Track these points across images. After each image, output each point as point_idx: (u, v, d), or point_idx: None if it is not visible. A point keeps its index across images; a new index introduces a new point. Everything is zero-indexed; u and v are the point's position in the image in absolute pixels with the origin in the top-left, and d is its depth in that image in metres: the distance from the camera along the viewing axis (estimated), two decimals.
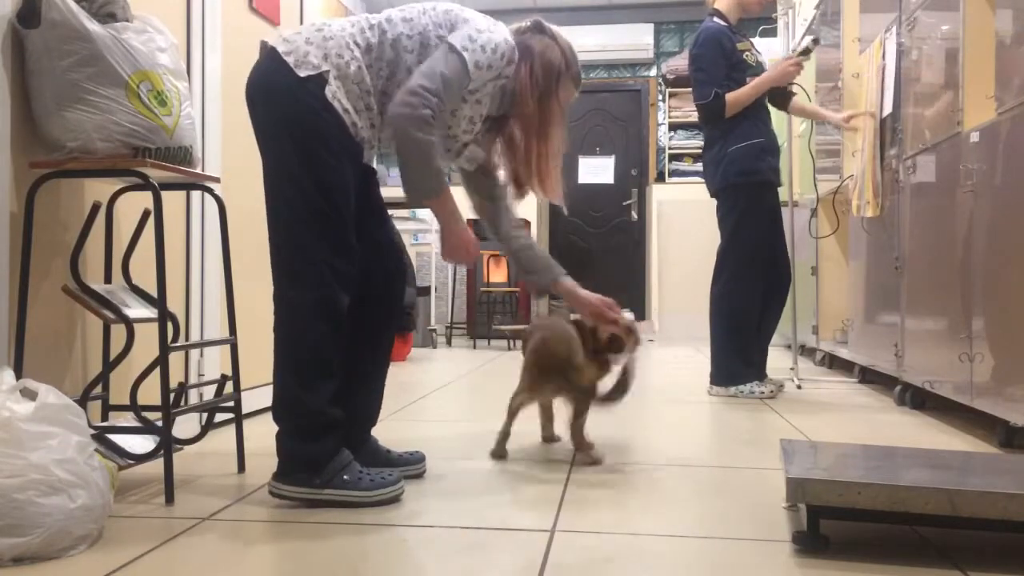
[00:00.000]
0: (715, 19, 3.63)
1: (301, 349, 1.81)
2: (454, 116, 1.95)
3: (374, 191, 2.04)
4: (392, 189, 7.55)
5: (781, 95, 3.74)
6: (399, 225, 6.02)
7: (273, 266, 1.86)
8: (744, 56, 3.58)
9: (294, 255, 1.82)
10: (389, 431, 2.65)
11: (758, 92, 3.52)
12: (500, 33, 1.94)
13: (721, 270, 3.68)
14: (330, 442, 1.81)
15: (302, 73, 1.79)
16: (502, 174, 2.18)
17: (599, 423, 2.79)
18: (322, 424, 1.81)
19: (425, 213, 6.59)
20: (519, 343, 6.53)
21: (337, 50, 1.83)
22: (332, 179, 1.81)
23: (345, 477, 1.80)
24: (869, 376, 3.98)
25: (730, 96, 3.47)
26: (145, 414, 1.95)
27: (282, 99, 1.81)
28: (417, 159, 1.83)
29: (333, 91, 1.81)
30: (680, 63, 7.57)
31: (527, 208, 7.55)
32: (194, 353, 2.68)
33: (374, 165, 2.11)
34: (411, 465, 2.06)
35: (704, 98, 3.50)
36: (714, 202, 3.78)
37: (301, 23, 3.45)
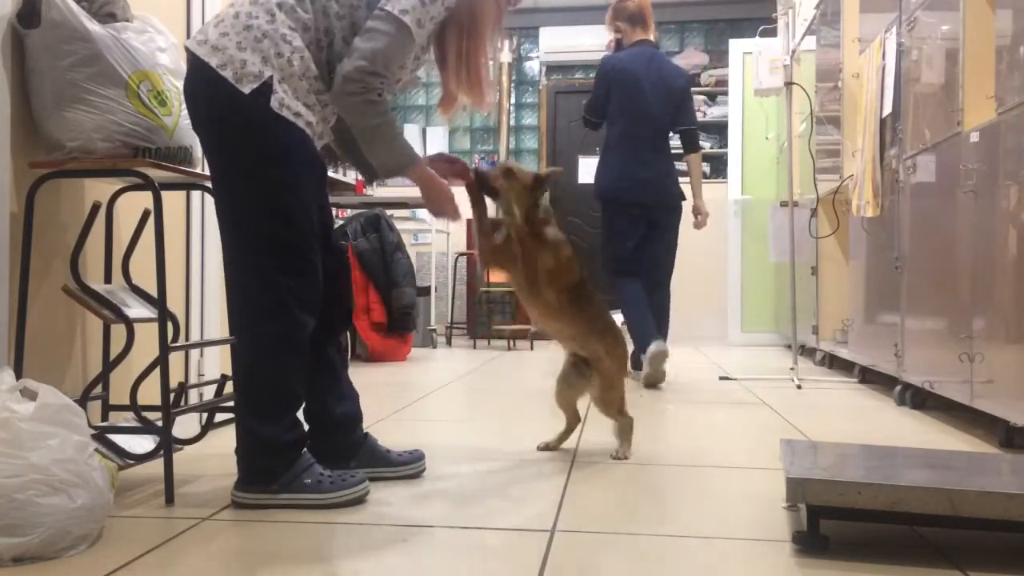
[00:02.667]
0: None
1: (266, 384, 1.78)
2: (401, 68, 1.85)
3: (323, 188, 1.96)
4: (392, 189, 7.53)
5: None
6: (400, 225, 6.00)
7: (230, 294, 1.80)
8: None
9: (255, 285, 1.75)
10: (389, 431, 2.65)
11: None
12: None
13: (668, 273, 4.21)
14: (289, 456, 1.79)
15: (245, 88, 1.68)
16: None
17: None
18: (278, 447, 1.79)
19: (425, 213, 6.59)
20: (519, 343, 6.54)
21: (275, 48, 1.71)
22: (291, 201, 1.73)
23: (306, 481, 1.77)
24: (869, 376, 3.98)
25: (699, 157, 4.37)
26: (145, 414, 1.95)
27: (230, 122, 1.71)
28: (380, 141, 1.79)
29: (280, 99, 1.70)
30: (680, 63, 7.56)
31: None
32: (194, 353, 2.68)
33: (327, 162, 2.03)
34: (410, 464, 2.06)
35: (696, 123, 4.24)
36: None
37: None
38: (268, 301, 1.75)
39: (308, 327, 1.79)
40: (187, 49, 1.76)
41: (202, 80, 1.72)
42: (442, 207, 1.97)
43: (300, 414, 1.88)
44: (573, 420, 2.41)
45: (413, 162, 1.85)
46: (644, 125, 4.03)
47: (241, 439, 1.81)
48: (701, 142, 7.47)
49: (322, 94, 1.80)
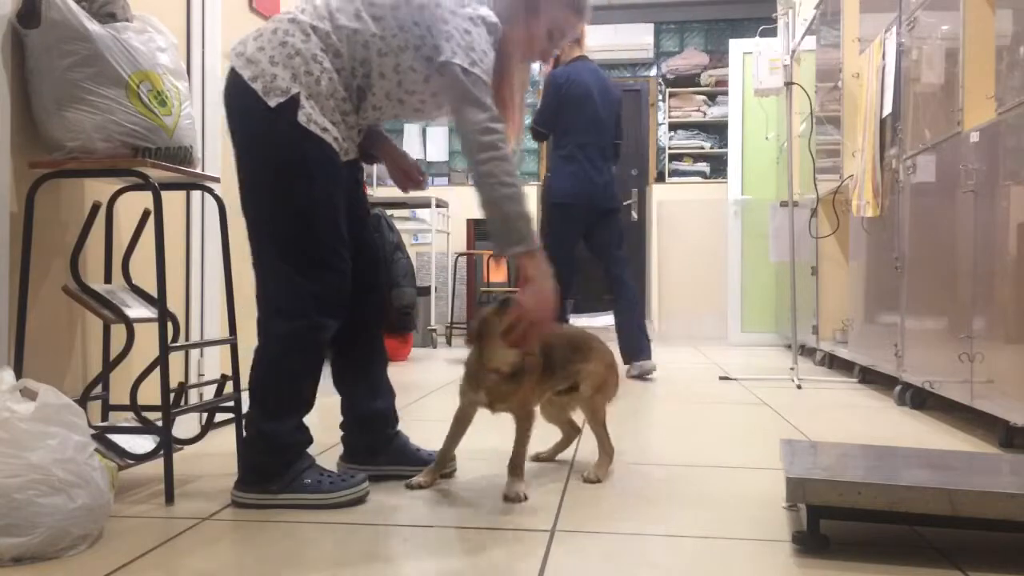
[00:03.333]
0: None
1: (277, 383, 1.80)
2: (427, 81, 1.85)
3: (360, 192, 2.02)
4: (392, 189, 7.50)
5: None
6: (400, 225, 6.00)
7: (258, 295, 1.83)
8: None
9: (279, 288, 1.79)
10: None
11: None
12: (477, 15, 1.79)
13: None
14: (291, 456, 1.81)
15: (272, 102, 1.73)
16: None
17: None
18: (283, 447, 1.80)
19: (425, 213, 6.59)
20: None
21: (305, 67, 1.76)
22: (317, 210, 1.77)
23: (306, 480, 1.79)
24: (869, 376, 3.98)
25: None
26: (145, 414, 1.95)
27: (257, 132, 1.77)
28: (509, 214, 1.70)
29: (308, 114, 1.75)
30: (680, 63, 7.57)
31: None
32: (194, 353, 2.68)
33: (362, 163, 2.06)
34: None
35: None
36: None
37: None
38: (286, 302, 1.78)
39: (327, 329, 1.82)
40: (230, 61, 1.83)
41: (235, 91, 1.79)
42: (536, 313, 1.76)
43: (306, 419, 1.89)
44: (570, 433, 2.30)
45: (532, 244, 1.73)
46: (597, 134, 4.30)
47: (245, 436, 1.82)
48: (701, 142, 7.52)
49: (348, 115, 1.84)
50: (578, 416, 2.24)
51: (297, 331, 1.78)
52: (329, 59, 1.79)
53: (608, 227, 4.31)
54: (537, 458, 2.27)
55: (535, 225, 1.75)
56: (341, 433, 2.06)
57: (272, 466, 1.78)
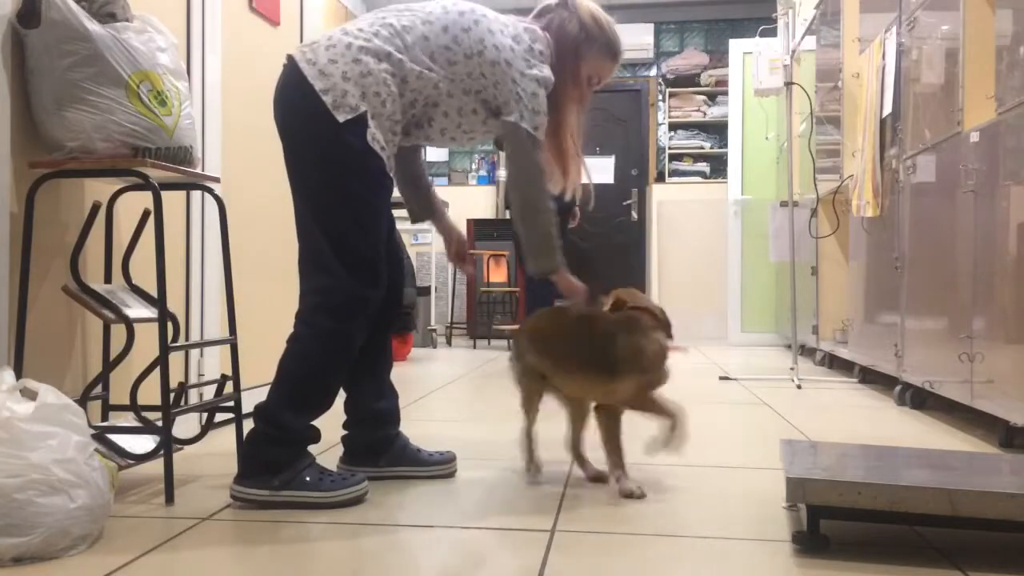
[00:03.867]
0: None
1: (311, 379, 1.81)
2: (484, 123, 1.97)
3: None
4: (393, 189, 7.45)
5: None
6: (400, 225, 6.06)
7: (305, 290, 1.85)
8: None
9: (331, 285, 1.81)
10: None
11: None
12: (543, 77, 1.90)
13: None
14: (297, 451, 1.81)
15: (341, 118, 1.77)
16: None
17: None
18: (295, 440, 1.81)
19: None
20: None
21: (375, 88, 1.80)
22: (372, 220, 1.83)
23: (307, 478, 1.79)
24: (869, 376, 3.98)
25: None
26: (145, 414, 1.95)
27: (322, 140, 1.79)
28: (543, 234, 1.90)
29: (372, 133, 1.80)
30: (680, 63, 7.57)
31: None
32: (194, 353, 2.68)
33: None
34: (441, 465, 2.08)
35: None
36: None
37: (301, 24, 3.45)
38: (336, 300, 1.80)
39: (363, 333, 1.85)
40: (292, 59, 1.83)
41: (302, 96, 1.80)
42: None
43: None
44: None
45: (559, 267, 1.93)
46: None
47: (255, 426, 1.82)
48: (701, 142, 7.52)
49: (396, 135, 1.88)
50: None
51: (341, 331, 1.80)
52: (396, 84, 1.84)
53: None
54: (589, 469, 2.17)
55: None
56: (343, 433, 2.06)
57: (279, 458, 1.79)
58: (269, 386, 1.83)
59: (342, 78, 1.79)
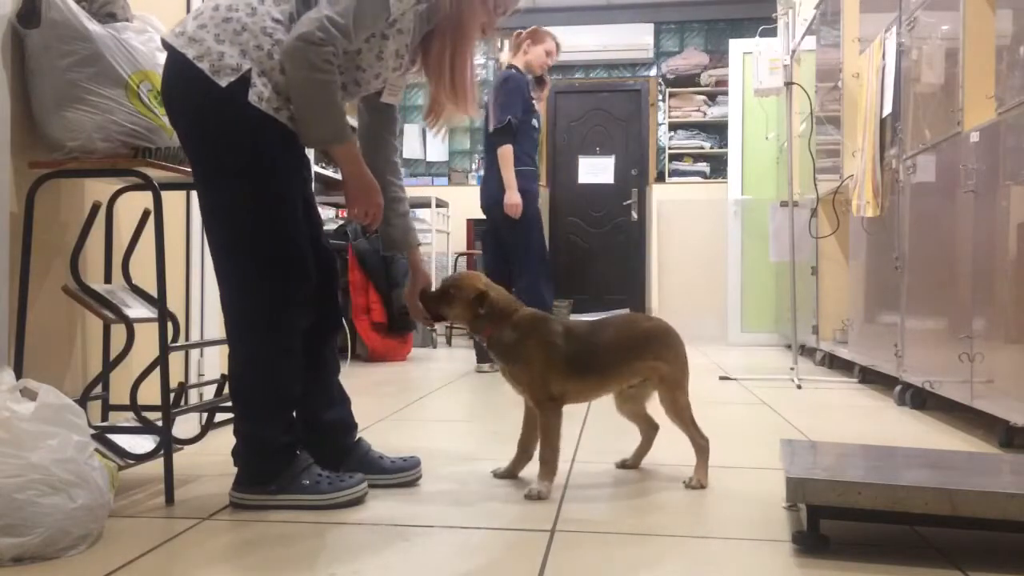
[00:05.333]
0: (515, 71, 4.45)
1: (258, 387, 1.77)
2: (380, 57, 1.80)
3: (311, 192, 1.96)
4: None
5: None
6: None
7: (220, 292, 1.77)
8: (535, 106, 4.51)
9: (241, 287, 1.73)
10: (389, 431, 2.65)
11: (509, 182, 4.36)
12: None
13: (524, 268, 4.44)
14: (286, 457, 1.79)
15: (222, 81, 1.63)
16: (396, 103, 2.02)
17: (599, 423, 2.78)
18: (277, 449, 1.79)
19: (424, 213, 6.59)
20: None
21: (255, 41, 1.66)
22: (272, 199, 1.70)
23: (304, 481, 1.77)
24: (869, 376, 3.98)
25: (505, 151, 4.33)
26: (145, 414, 1.95)
27: (207, 116, 1.66)
28: (317, 101, 1.66)
29: (259, 92, 1.66)
30: (680, 63, 7.57)
31: None
32: (194, 353, 2.68)
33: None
34: (403, 472, 1.99)
35: (501, 122, 4.32)
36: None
37: None
38: (256, 303, 1.73)
39: (299, 327, 1.79)
40: (164, 41, 1.72)
41: (178, 72, 1.68)
42: (360, 200, 1.82)
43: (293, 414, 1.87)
44: (648, 432, 2.21)
45: (342, 137, 1.72)
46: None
47: (238, 441, 1.81)
48: (701, 142, 7.51)
49: None
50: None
51: (275, 332, 1.74)
52: (282, 29, 1.70)
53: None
54: (623, 465, 2.18)
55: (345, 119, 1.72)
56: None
57: (267, 468, 1.78)
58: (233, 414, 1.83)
59: (215, 40, 1.65)
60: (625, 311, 2.16)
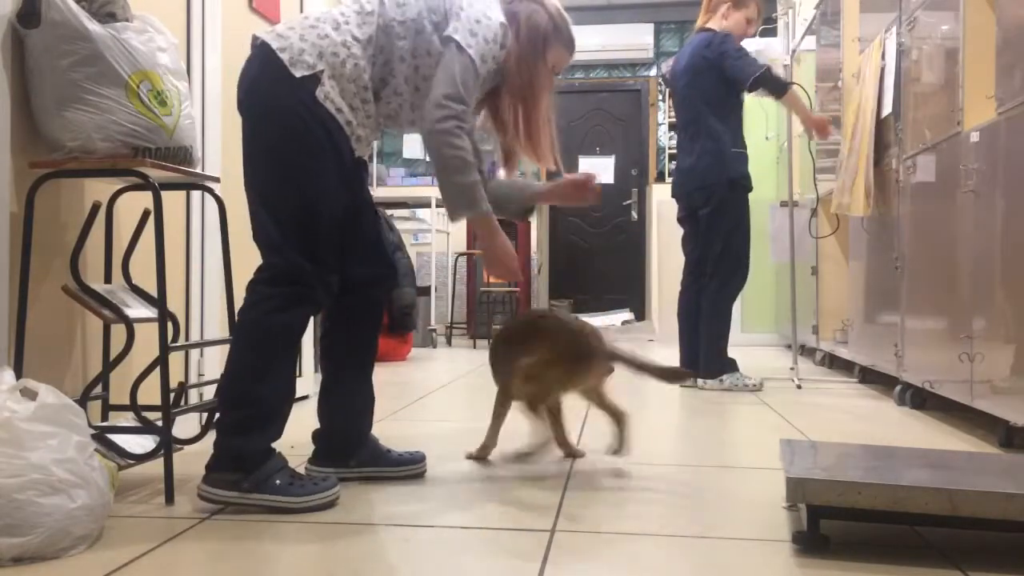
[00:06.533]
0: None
1: (262, 343, 1.79)
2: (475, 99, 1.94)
3: (365, 188, 2.03)
4: (392, 189, 7.52)
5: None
6: (400, 225, 6.00)
7: (264, 253, 1.84)
8: None
9: (269, 253, 1.81)
10: (389, 431, 2.65)
11: (801, 110, 3.77)
12: (495, 15, 1.92)
13: (717, 268, 3.87)
14: (267, 437, 1.79)
15: (297, 73, 1.77)
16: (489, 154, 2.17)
17: (600, 425, 2.79)
18: (261, 415, 1.78)
19: (425, 213, 6.60)
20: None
21: (332, 48, 1.81)
22: (315, 188, 1.79)
23: (277, 482, 1.76)
24: (869, 376, 3.98)
25: (791, 93, 3.70)
26: (145, 414, 1.95)
27: (276, 101, 1.79)
28: (454, 180, 1.84)
29: (326, 91, 1.79)
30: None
31: None
32: (194, 353, 2.68)
33: (367, 159, 2.08)
34: (411, 465, 2.06)
35: (758, 71, 3.64)
36: None
37: None
38: (285, 270, 1.79)
39: (317, 297, 1.84)
40: (255, 36, 1.85)
41: (259, 59, 1.81)
42: (497, 266, 1.97)
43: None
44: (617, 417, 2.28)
45: (476, 207, 1.87)
46: (681, 113, 3.96)
47: (217, 435, 1.79)
48: None
49: (368, 103, 1.87)
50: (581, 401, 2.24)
51: (293, 290, 1.79)
52: (359, 47, 1.84)
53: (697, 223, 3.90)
54: (614, 452, 2.22)
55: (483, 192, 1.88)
56: (317, 428, 2.04)
57: (241, 466, 1.75)
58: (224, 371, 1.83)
59: (299, 39, 1.80)
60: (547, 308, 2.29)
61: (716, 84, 3.74)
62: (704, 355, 3.75)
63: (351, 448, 2.02)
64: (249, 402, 1.78)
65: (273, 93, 1.80)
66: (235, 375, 1.80)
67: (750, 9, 3.79)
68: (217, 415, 1.82)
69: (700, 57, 3.78)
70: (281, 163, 1.80)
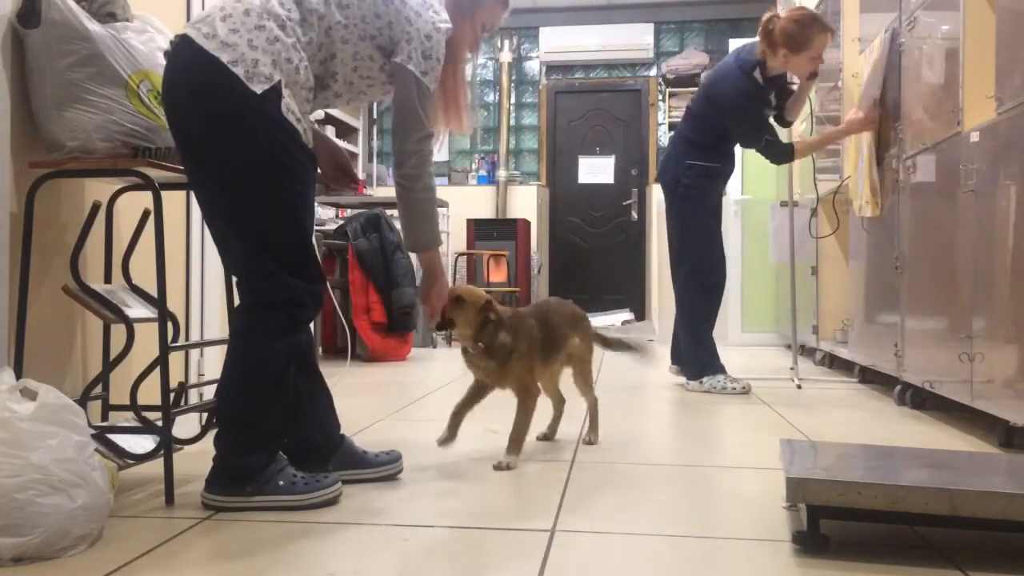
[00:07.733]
0: (756, 72, 3.63)
1: (264, 368, 1.77)
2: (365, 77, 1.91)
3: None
4: (392, 189, 7.44)
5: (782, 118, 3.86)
6: (399, 225, 5.98)
7: (241, 283, 1.79)
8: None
9: (259, 281, 1.76)
10: (389, 431, 2.65)
11: (824, 143, 3.85)
12: (439, 16, 1.87)
13: (680, 260, 3.85)
14: (267, 453, 1.79)
15: (257, 89, 1.67)
16: None
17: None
18: (263, 438, 1.78)
19: None
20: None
21: (286, 54, 1.72)
22: (296, 204, 1.76)
23: (279, 483, 1.76)
24: (869, 376, 3.98)
25: (799, 143, 3.73)
26: (145, 414, 1.95)
27: (245, 117, 1.68)
28: (425, 219, 1.94)
29: (286, 103, 1.72)
30: (680, 63, 7.57)
31: (526, 208, 7.56)
32: (194, 353, 2.68)
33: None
34: (388, 465, 2.03)
35: (756, 144, 3.62)
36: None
37: None
38: (274, 292, 1.75)
39: (307, 317, 1.84)
40: (187, 38, 1.70)
41: (210, 73, 1.67)
42: (439, 302, 2.04)
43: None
44: (559, 404, 2.53)
45: (436, 244, 1.98)
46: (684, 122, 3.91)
47: (217, 441, 1.80)
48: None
49: (308, 102, 1.83)
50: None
51: (284, 319, 1.77)
52: (306, 49, 1.78)
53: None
54: (544, 438, 2.49)
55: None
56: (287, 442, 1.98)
57: (243, 470, 1.75)
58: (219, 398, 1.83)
59: (249, 47, 1.68)
60: (555, 299, 2.39)
61: (715, 115, 3.66)
62: (684, 355, 3.78)
63: (326, 452, 1.98)
64: (251, 427, 1.78)
65: (233, 115, 1.68)
66: (234, 399, 1.79)
67: (812, 48, 3.44)
68: (215, 433, 1.81)
69: (716, 89, 3.70)
70: (260, 190, 1.72)
